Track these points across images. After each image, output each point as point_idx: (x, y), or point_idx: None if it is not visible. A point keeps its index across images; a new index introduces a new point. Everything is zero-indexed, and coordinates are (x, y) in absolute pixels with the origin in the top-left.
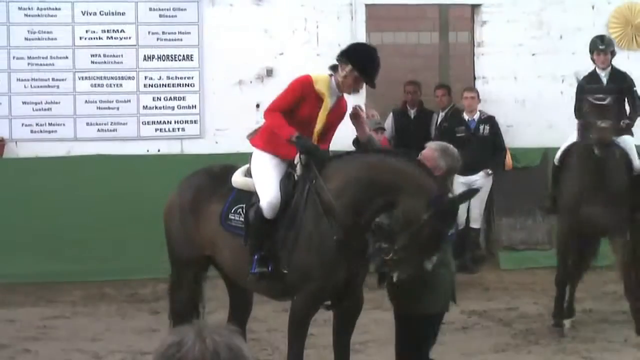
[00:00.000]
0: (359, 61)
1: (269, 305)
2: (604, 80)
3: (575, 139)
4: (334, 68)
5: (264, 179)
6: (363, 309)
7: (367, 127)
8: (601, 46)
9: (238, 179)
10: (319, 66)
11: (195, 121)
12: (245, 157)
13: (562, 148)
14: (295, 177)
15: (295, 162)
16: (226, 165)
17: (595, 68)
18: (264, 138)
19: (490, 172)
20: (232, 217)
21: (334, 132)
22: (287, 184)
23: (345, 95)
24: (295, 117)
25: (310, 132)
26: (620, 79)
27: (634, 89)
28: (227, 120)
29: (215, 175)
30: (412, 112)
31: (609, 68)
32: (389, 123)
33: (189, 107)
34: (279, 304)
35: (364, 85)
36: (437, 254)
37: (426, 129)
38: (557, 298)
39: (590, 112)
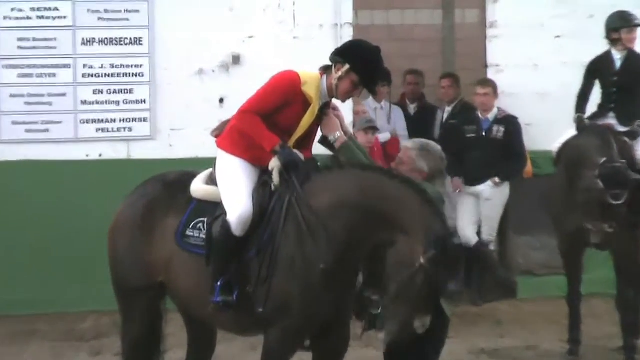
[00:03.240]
0: (360, 63)
1: (235, 342)
2: (618, 64)
3: (572, 133)
4: (326, 69)
5: (233, 187)
6: (349, 346)
7: (341, 123)
8: (637, 20)
9: (198, 187)
10: (296, 52)
11: (145, 119)
12: (207, 163)
13: (558, 145)
14: (272, 187)
15: (270, 167)
16: (184, 172)
17: (610, 49)
18: (232, 139)
19: (498, 181)
20: (191, 234)
21: (314, 138)
22: (262, 194)
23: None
24: (273, 121)
25: (288, 138)
26: (636, 63)
27: None
28: (184, 118)
29: (170, 183)
30: (411, 108)
31: (626, 51)
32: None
33: (137, 102)
34: (247, 341)
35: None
36: (430, 314)
37: (429, 127)
38: (570, 320)
39: (599, 210)
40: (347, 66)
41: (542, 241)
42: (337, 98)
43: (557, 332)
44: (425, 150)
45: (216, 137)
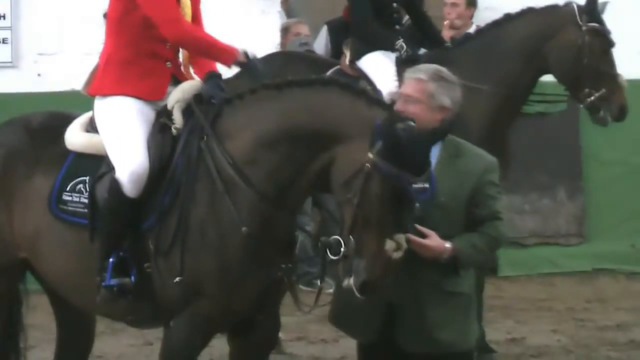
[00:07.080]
0: None
1: (122, 335)
2: None
3: None
4: None
5: (122, 134)
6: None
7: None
8: None
9: (77, 136)
10: None
11: (4, 40)
12: (88, 100)
13: None
14: (174, 131)
15: (170, 105)
16: (55, 114)
17: None
18: (115, 72)
19: None
20: (68, 198)
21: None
22: (161, 141)
23: None
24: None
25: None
26: None
27: None
28: (57, 38)
29: (36, 130)
30: None
31: None
32: (321, 43)
33: None
34: (139, 334)
35: None
36: (404, 228)
37: None
38: None
39: None
40: None
41: (531, 202)
42: None
43: (549, 320)
44: (442, 78)
45: (89, 90)
